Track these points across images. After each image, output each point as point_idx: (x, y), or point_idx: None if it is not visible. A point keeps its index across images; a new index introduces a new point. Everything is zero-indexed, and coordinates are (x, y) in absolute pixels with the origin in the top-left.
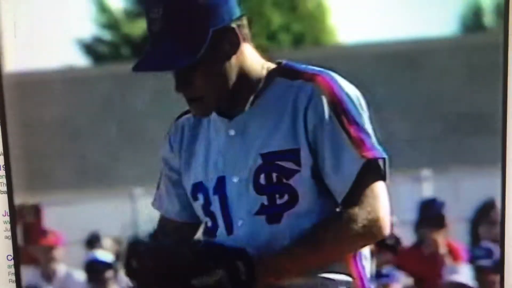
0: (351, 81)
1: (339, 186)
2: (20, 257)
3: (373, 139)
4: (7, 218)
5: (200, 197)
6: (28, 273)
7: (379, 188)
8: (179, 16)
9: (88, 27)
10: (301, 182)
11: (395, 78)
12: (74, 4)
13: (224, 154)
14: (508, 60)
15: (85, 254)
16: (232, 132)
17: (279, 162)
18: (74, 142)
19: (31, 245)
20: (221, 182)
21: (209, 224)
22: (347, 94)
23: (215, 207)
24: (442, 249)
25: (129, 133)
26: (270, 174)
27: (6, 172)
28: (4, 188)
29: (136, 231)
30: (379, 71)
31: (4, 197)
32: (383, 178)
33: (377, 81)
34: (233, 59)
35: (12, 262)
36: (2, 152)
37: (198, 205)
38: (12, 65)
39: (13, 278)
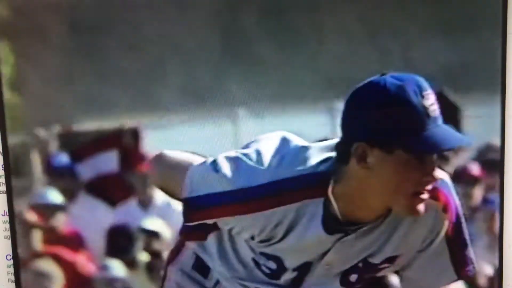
0: None
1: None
2: (19, 257)
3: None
4: (6, 218)
5: (272, 262)
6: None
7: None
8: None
9: None
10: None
11: None
12: None
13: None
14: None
15: None
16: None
17: (378, 268)
18: (177, 61)
19: (129, 172)
20: (307, 265)
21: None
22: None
23: (285, 277)
24: None
25: (236, 52)
26: (363, 275)
27: (5, 172)
28: (4, 188)
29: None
30: None
31: (4, 197)
32: None
33: None
34: None
35: (11, 262)
36: (2, 151)
37: (261, 264)
38: None
39: (12, 278)
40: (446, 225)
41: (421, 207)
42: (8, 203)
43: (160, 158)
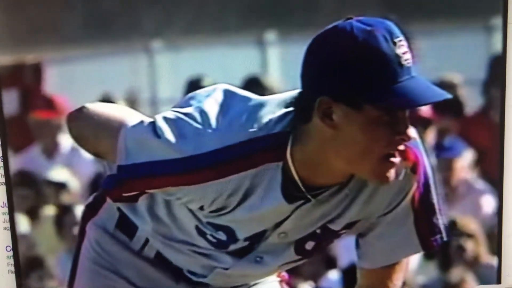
0: None
1: (379, 256)
2: (18, 248)
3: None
4: (6, 210)
5: (221, 232)
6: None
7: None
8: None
9: None
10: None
11: None
12: None
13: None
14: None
15: None
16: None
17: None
18: None
19: (30, 115)
20: (261, 234)
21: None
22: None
23: (234, 246)
24: None
25: None
26: (320, 242)
27: (4, 163)
28: (2, 179)
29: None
30: None
31: (2, 188)
32: None
33: None
34: None
35: (11, 253)
36: (1, 143)
37: (208, 234)
38: None
39: (12, 269)
40: (413, 186)
41: (391, 172)
42: (7, 195)
43: (83, 113)
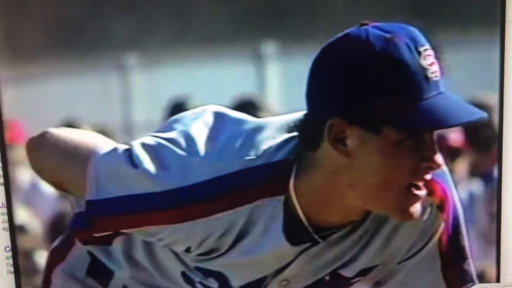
0: None
1: None
2: (18, 249)
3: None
4: (5, 210)
5: (212, 279)
6: None
7: None
8: None
9: None
10: None
11: None
12: None
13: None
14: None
15: None
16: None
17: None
18: None
19: None
20: (259, 282)
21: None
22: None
23: None
24: None
25: None
26: None
27: (2, 163)
28: (1, 180)
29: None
30: None
31: (1, 189)
32: None
33: None
34: None
35: (10, 254)
36: None
37: (196, 282)
38: None
39: (12, 269)
40: (441, 227)
41: (416, 207)
42: (6, 195)
43: (45, 140)
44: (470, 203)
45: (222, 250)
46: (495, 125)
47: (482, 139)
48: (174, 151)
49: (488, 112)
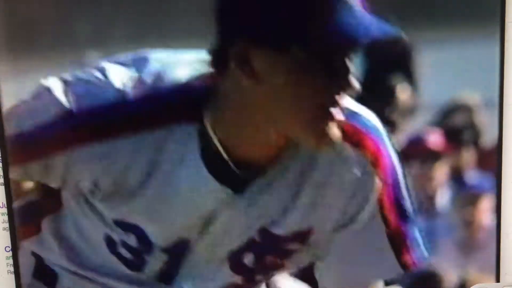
0: None
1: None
2: (18, 249)
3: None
4: (5, 210)
5: (132, 236)
6: None
7: None
8: None
9: None
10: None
11: None
12: None
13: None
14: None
15: None
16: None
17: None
18: None
19: None
20: (183, 244)
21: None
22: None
23: (154, 259)
24: None
25: None
26: (262, 254)
27: (3, 163)
28: (1, 180)
29: None
30: None
31: (1, 189)
32: None
33: None
34: None
35: (10, 254)
36: None
37: (118, 244)
38: None
39: (12, 269)
40: (377, 186)
41: (332, 129)
42: (6, 195)
43: None
44: (450, 207)
45: (133, 186)
46: (477, 126)
47: (463, 141)
48: (84, 79)
49: (468, 113)
